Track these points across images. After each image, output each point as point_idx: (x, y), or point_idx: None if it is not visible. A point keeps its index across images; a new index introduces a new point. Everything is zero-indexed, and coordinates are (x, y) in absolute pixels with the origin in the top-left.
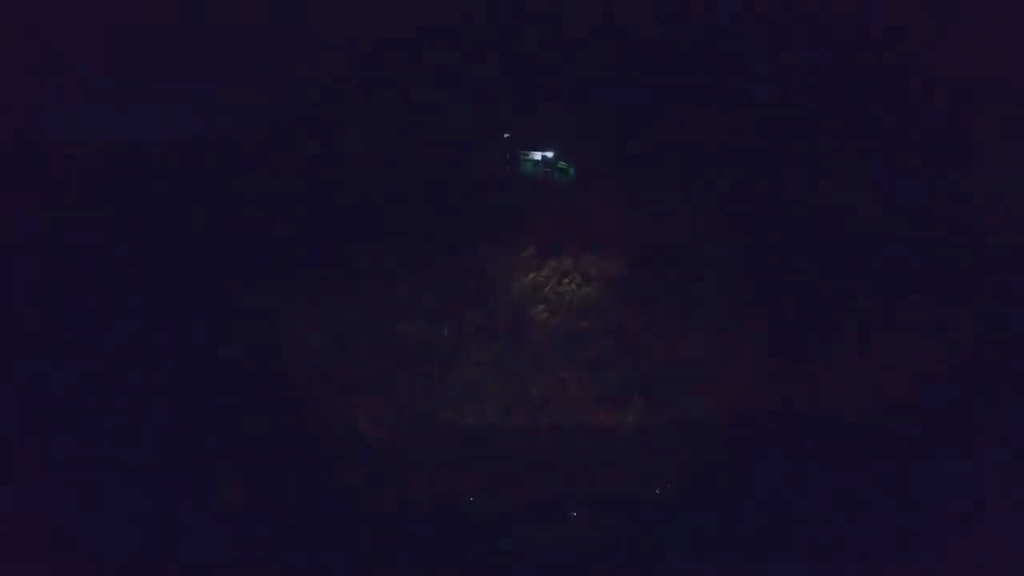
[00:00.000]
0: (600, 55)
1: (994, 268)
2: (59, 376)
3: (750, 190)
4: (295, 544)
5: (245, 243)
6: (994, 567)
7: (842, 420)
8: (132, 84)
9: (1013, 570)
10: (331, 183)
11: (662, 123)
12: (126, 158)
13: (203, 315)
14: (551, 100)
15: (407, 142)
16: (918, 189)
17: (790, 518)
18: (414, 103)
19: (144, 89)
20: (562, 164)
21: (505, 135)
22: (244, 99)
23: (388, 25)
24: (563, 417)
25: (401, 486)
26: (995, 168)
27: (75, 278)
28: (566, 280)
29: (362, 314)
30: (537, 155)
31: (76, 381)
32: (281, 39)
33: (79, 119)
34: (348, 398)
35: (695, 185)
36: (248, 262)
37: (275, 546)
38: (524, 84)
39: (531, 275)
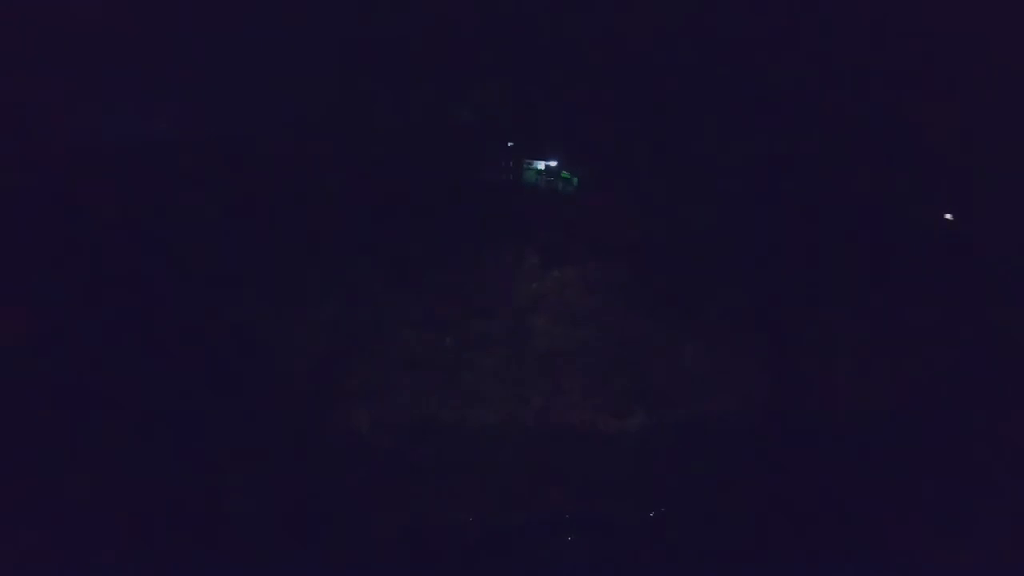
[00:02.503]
0: (603, 65)
1: (993, 269)
2: (58, 375)
3: (752, 198)
4: (300, 548)
5: (249, 249)
6: (994, 566)
7: (841, 423)
8: (138, 86)
9: (1012, 569)
10: (335, 191)
11: (664, 133)
12: (130, 160)
13: (208, 321)
14: (554, 110)
15: (411, 151)
16: (919, 194)
17: (789, 520)
18: (419, 113)
19: (151, 91)
20: (565, 173)
21: (509, 144)
22: (248, 105)
23: (393, 34)
24: (565, 425)
25: (403, 491)
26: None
27: (77, 278)
28: (569, 289)
29: (366, 321)
30: (540, 164)
31: (76, 380)
32: (287, 45)
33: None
34: (351, 404)
35: (697, 194)
36: (252, 268)
37: (280, 550)
38: (528, 94)
39: (534, 284)
